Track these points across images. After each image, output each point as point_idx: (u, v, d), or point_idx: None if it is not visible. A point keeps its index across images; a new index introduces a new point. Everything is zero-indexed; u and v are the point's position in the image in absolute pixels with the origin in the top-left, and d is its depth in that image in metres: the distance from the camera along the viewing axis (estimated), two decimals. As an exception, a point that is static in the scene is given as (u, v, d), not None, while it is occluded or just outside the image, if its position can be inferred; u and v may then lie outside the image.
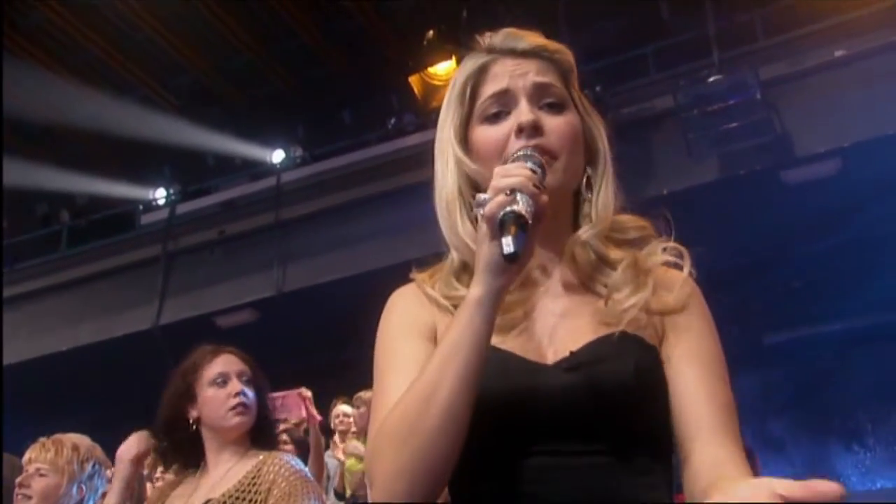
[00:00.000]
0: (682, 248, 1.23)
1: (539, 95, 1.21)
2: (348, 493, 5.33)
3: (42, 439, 2.73)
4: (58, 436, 2.75)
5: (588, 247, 1.19)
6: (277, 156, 10.36)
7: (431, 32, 9.12)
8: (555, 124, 1.19)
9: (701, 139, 6.85)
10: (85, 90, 9.41)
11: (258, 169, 10.27)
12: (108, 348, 8.75)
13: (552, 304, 1.18)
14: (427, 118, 9.69)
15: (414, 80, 9.41)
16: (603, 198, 1.23)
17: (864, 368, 7.26)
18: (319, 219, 8.62)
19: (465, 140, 1.23)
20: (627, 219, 1.26)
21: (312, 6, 9.62)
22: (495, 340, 1.11)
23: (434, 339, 1.18)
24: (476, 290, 1.05)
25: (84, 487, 2.69)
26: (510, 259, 1.00)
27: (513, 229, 1.01)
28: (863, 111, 6.76)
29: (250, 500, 2.19)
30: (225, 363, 2.43)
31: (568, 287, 1.20)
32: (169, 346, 8.67)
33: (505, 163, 1.14)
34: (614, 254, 1.21)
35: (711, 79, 6.88)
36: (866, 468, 7.79)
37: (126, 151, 10.24)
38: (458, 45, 9.03)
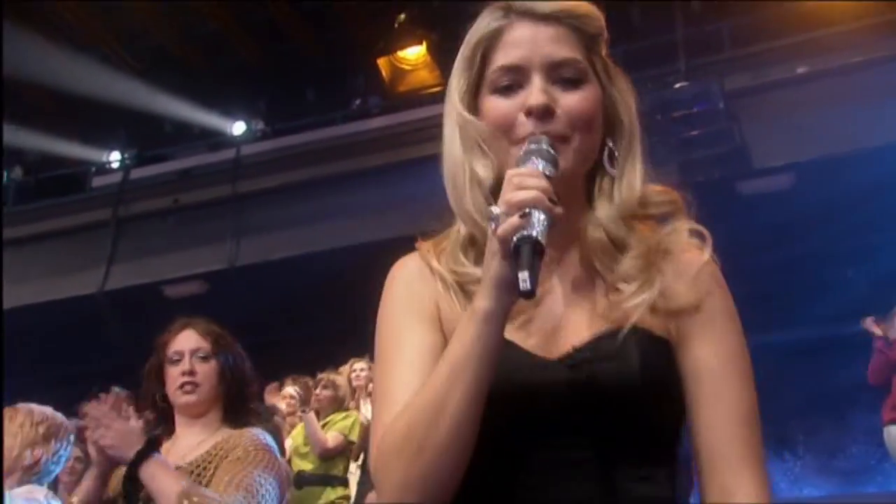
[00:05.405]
0: (705, 231, 1.18)
1: (554, 71, 1.12)
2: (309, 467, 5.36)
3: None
4: (19, 405, 2.77)
5: (601, 229, 1.14)
6: (238, 128, 10.23)
7: (403, 16, 9.07)
8: (568, 103, 1.12)
9: (661, 144, 6.92)
10: (44, 45, 9.17)
11: (217, 139, 10.13)
12: (51, 310, 8.58)
13: (559, 293, 1.15)
14: (393, 101, 9.64)
15: (382, 63, 9.36)
16: (628, 175, 1.16)
17: (802, 380, 7.43)
18: (277, 195, 8.55)
19: (472, 106, 1.17)
20: (655, 191, 1.20)
21: (284, -21, 9.50)
22: None
23: (437, 321, 1.15)
24: (485, 304, 1.02)
25: (41, 451, 2.68)
26: (526, 296, 0.96)
27: (528, 260, 0.96)
28: (819, 129, 6.90)
29: (215, 467, 2.23)
30: (182, 340, 2.43)
31: (577, 274, 1.16)
32: (113, 313, 8.54)
33: (513, 142, 1.11)
34: (631, 236, 1.15)
35: (677, 85, 6.96)
36: (795, 476, 8.00)
37: (82, 111, 10.00)
38: (430, 30, 8.99)
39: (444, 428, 1.01)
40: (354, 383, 5.77)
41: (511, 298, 1.01)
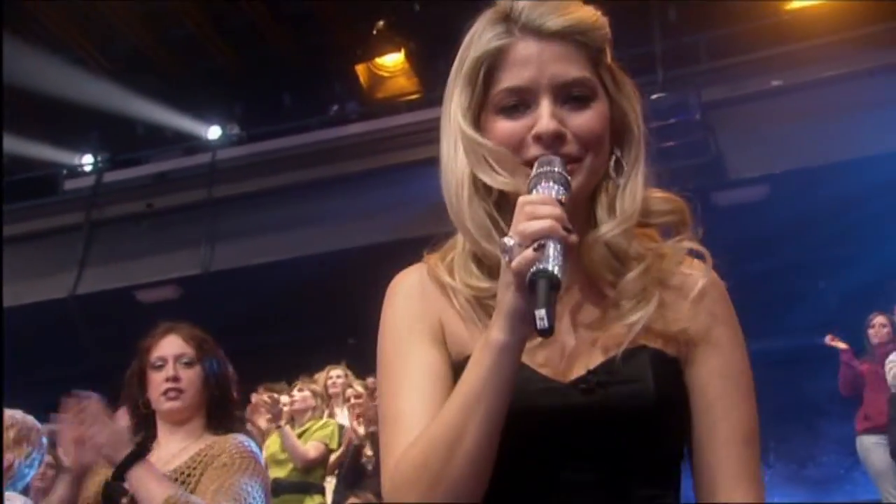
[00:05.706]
0: (705, 251, 1.17)
1: (563, 91, 1.09)
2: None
3: None
4: None
5: (604, 243, 1.11)
6: (214, 132, 10.16)
7: (382, 23, 9.05)
8: (579, 123, 1.09)
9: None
10: (17, 45, 9.04)
11: (192, 143, 10.05)
12: (22, 314, 8.45)
13: (566, 313, 1.13)
14: (371, 108, 9.63)
15: (360, 69, 9.33)
16: (631, 187, 1.13)
17: (775, 389, 7.48)
18: (252, 200, 8.49)
19: (475, 123, 1.12)
20: (660, 199, 1.18)
21: (262, -17, 9.45)
22: None
23: (441, 338, 1.13)
24: (500, 336, 0.99)
25: (12, 455, 2.64)
26: (544, 334, 0.93)
27: (545, 297, 0.93)
28: (794, 141, 6.99)
29: (200, 474, 2.21)
30: (166, 346, 2.41)
31: (582, 291, 1.14)
32: (84, 317, 8.43)
33: (523, 162, 1.08)
34: (633, 248, 1.13)
35: (654, 96, 7.01)
36: (766, 484, 8.07)
37: (54, 113, 9.88)
38: (408, 37, 8.99)
39: (459, 460, 1.00)
40: (331, 391, 5.73)
41: (527, 329, 0.98)
